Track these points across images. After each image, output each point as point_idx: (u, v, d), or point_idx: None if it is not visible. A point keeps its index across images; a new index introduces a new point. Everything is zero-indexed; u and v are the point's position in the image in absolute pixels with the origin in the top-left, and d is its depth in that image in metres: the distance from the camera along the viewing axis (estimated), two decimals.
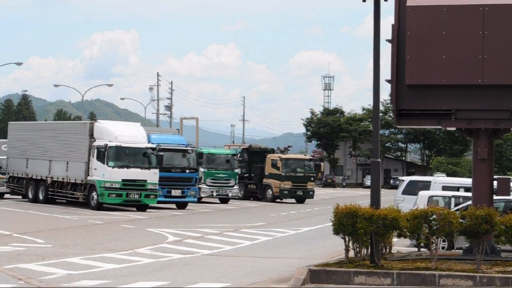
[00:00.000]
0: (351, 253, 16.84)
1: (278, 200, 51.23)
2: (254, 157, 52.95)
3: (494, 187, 18.47)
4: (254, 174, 52.21)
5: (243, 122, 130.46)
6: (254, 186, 52.43)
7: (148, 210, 36.94)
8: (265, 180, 51.46)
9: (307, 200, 51.73)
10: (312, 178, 52.07)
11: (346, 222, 16.33)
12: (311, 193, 51.45)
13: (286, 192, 50.35)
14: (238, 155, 51.45)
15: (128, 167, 35.90)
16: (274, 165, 50.86)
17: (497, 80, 17.21)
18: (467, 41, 17.25)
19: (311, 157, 54.21)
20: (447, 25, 17.35)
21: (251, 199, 52.33)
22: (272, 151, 55.94)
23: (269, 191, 51.08)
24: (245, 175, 52.43)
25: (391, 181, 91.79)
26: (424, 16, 17.49)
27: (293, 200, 51.61)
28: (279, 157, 51.88)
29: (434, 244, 16.44)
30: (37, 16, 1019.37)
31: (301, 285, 15.14)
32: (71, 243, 21.69)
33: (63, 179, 38.00)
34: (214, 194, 47.37)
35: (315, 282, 15.61)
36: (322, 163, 56.13)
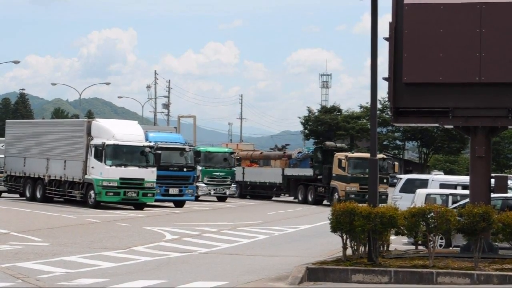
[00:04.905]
0: (349, 251, 16.85)
1: None
2: (328, 157, 47.37)
3: (492, 185, 18.49)
4: (323, 175, 46.96)
5: (240, 120, 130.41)
6: (323, 189, 47.10)
7: (145, 208, 36.91)
8: (332, 182, 45.92)
9: None
10: (384, 180, 44.57)
11: (343, 220, 16.33)
12: (383, 197, 41.91)
13: (352, 195, 42.77)
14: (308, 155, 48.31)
15: (125, 165, 35.90)
16: (340, 165, 45.32)
17: (494, 78, 17.20)
18: (465, 39, 17.26)
19: (384, 156, 47.04)
20: (444, 23, 17.35)
21: (323, 203, 47.09)
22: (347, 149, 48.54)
23: (336, 195, 44.99)
24: (318, 177, 47.49)
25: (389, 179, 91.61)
26: (421, 14, 17.49)
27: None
28: (345, 156, 45.81)
29: (431, 242, 16.45)
30: (35, 14, 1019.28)
31: (298, 283, 15.14)
32: (68, 242, 21.68)
33: (60, 177, 37.99)
34: (212, 192, 47.32)
35: (313, 280, 15.61)
36: (396, 163, 49.36)
